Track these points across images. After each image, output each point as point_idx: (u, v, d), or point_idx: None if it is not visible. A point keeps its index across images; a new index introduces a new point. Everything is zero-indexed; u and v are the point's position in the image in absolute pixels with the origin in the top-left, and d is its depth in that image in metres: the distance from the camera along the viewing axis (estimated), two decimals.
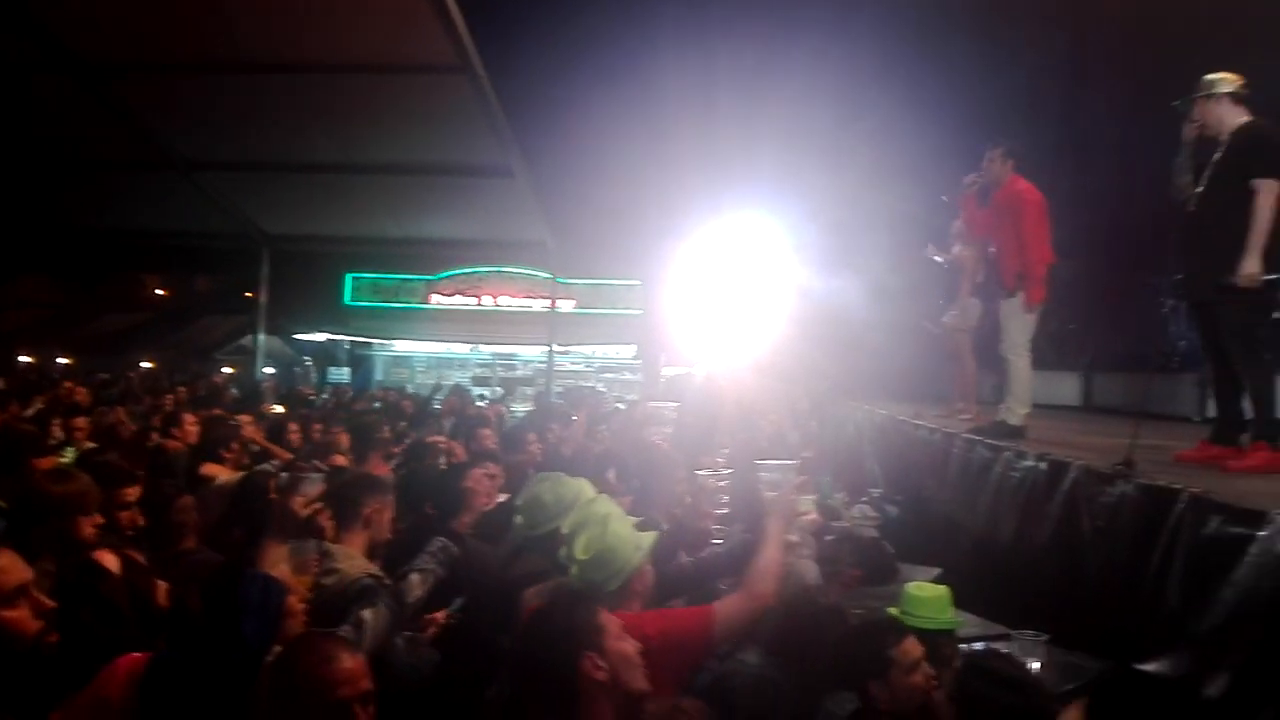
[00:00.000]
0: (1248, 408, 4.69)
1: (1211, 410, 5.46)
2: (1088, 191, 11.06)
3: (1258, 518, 2.98)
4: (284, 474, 3.57)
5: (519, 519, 3.53)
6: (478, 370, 22.71)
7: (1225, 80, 4.71)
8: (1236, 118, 4.67)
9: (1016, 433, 6.16)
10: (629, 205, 13.33)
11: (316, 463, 4.57)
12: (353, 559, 3.57)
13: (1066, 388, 11.27)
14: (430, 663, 3.15)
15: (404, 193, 13.71)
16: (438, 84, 10.42)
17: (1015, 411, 6.26)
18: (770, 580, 3.13)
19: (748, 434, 8.51)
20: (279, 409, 10.51)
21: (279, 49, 9.97)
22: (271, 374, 19.12)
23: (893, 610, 3.54)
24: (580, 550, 3.02)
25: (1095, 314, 11.70)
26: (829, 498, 7.46)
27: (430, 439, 7.19)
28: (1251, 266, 4.36)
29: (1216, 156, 4.69)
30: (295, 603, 2.77)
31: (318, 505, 3.33)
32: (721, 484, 6.13)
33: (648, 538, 3.15)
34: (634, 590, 3.05)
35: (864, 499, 8.36)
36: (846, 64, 12.64)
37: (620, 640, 2.47)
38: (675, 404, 11.44)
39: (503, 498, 4.70)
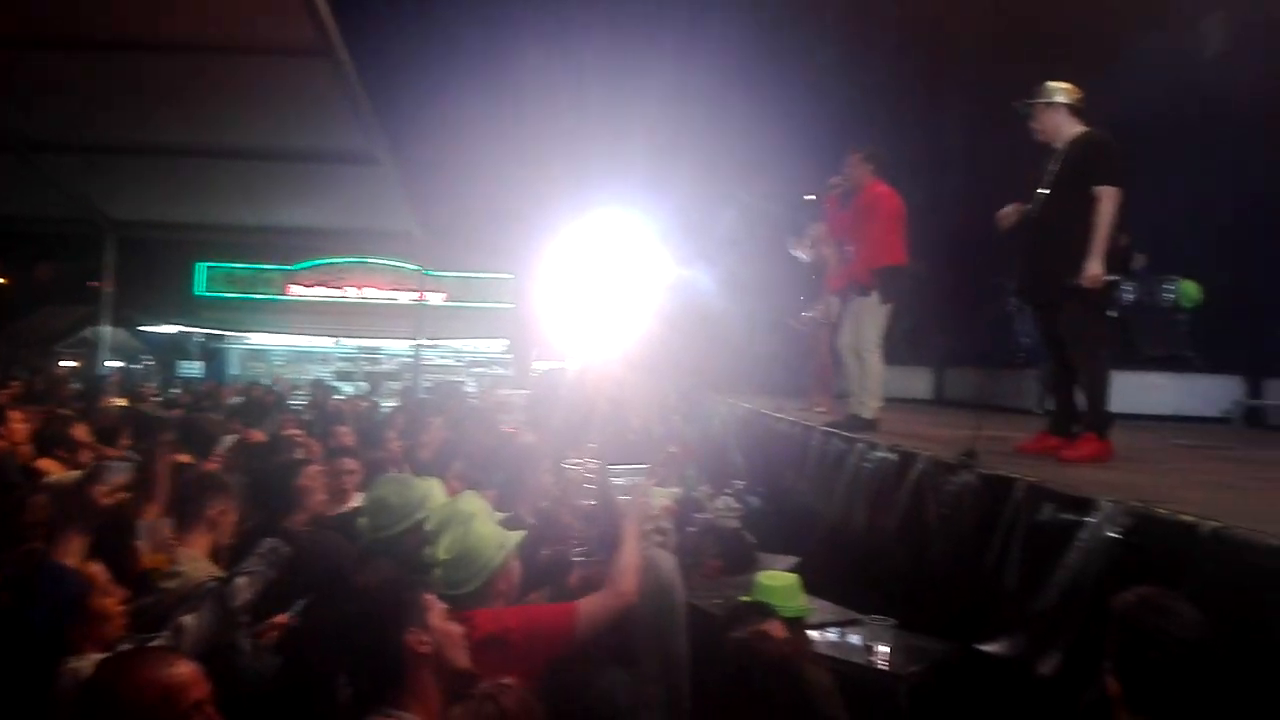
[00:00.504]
0: (1080, 400, 4.94)
1: (1051, 403, 5.76)
2: (940, 196, 11.55)
3: (1086, 504, 3.15)
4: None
5: (364, 521, 3.46)
6: (341, 364, 22.04)
7: (1064, 91, 4.91)
8: (1073, 128, 4.88)
9: (870, 425, 6.37)
10: (500, 197, 13.15)
11: (131, 454, 4.37)
12: (196, 562, 3.42)
13: (919, 382, 11.75)
14: (273, 667, 3.03)
15: (261, 179, 13.11)
16: (298, 67, 9.97)
17: (868, 405, 6.47)
18: (630, 578, 3.20)
19: (617, 429, 8.54)
20: (121, 403, 9.95)
21: (128, 25, 9.33)
22: (118, 368, 18.09)
23: (745, 599, 3.59)
24: (443, 550, 3.01)
25: (947, 312, 12.24)
26: (694, 490, 7.57)
27: (287, 434, 6.91)
28: (1095, 268, 4.55)
29: (1054, 166, 4.89)
30: (113, 606, 2.63)
31: (122, 494, 3.19)
32: (589, 478, 6.15)
33: (513, 537, 3.15)
34: (498, 590, 3.06)
35: (727, 491, 8.51)
36: (711, 61, 12.82)
37: (446, 621, 2.53)
38: (526, 392, 11.35)
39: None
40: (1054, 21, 10.52)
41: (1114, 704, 2.22)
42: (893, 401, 10.48)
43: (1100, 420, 4.73)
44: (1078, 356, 4.87)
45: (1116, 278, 4.77)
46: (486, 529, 3.09)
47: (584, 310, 13.79)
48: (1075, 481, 3.54)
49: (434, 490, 3.55)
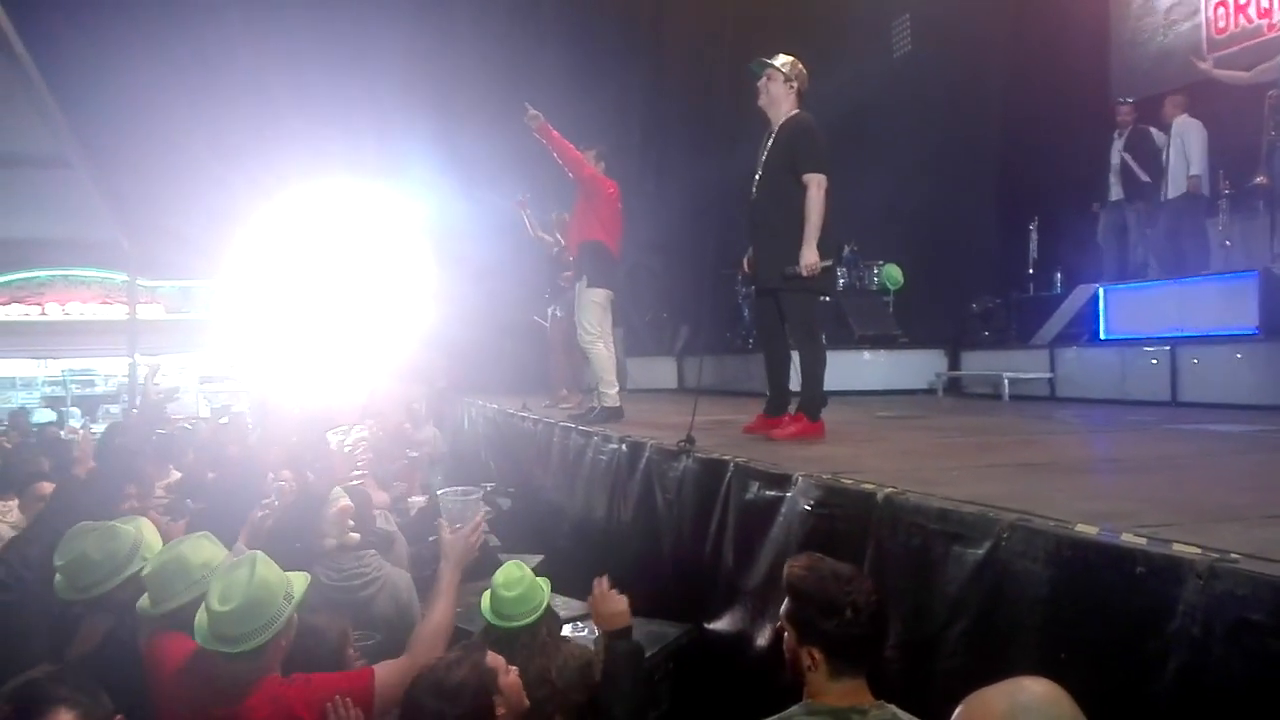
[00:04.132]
0: (795, 381, 5.12)
1: None
2: (670, 197, 12.01)
3: (785, 480, 3.31)
4: None
5: (59, 579, 2.94)
6: (48, 389, 19.72)
7: (794, 69, 4.93)
8: (791, 108, 4.92)
9: (615, 414, 6.45)
10: (216, 196, 12.21)
11: None
12: None
13: (663, 372, 12.11)
14: None
15: None
16: None
17: (607, 394, 6.56)
18: (439, 643, 2.90)
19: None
20: None
21: None
22: None
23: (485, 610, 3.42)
24: (217, 599, 2.52)
25: (684, 303, 12.74)
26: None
27: None
28: (811, 256, 4.66)
29: (769, 143, 4.95)
30: None
31: None
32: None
33: (299, 582, 2.72)
34: (279, 647, 2.63)
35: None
36: (449, 55, 12.61)
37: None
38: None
39: None
40: (765, 21, 11.15)
41: (812, 672, 2.29)
42: (639, 391, 10.81)
43: (814, 402, 4.93)
44: (800, 342, 5.00)
45: (831, 263, 4.86)
46: (271, 573, 2.63)
47: (321, 315, 13.13)
48: (780, 459, 3.70)
49: (145, 532, 3.09)
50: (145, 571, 2.85)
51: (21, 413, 13.31)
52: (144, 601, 2.83)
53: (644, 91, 13.12)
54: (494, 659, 2.68)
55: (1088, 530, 2.13)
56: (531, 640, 3.20)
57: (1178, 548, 1.91)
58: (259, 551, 2.78)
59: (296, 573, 2.78)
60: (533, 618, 3.25)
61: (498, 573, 3.44)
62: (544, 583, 3.43)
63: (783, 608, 2.37)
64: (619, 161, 7.23)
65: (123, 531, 3.03)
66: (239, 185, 12.15)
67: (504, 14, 12.98)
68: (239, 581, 2.54)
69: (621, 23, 13.04)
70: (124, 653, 2.81)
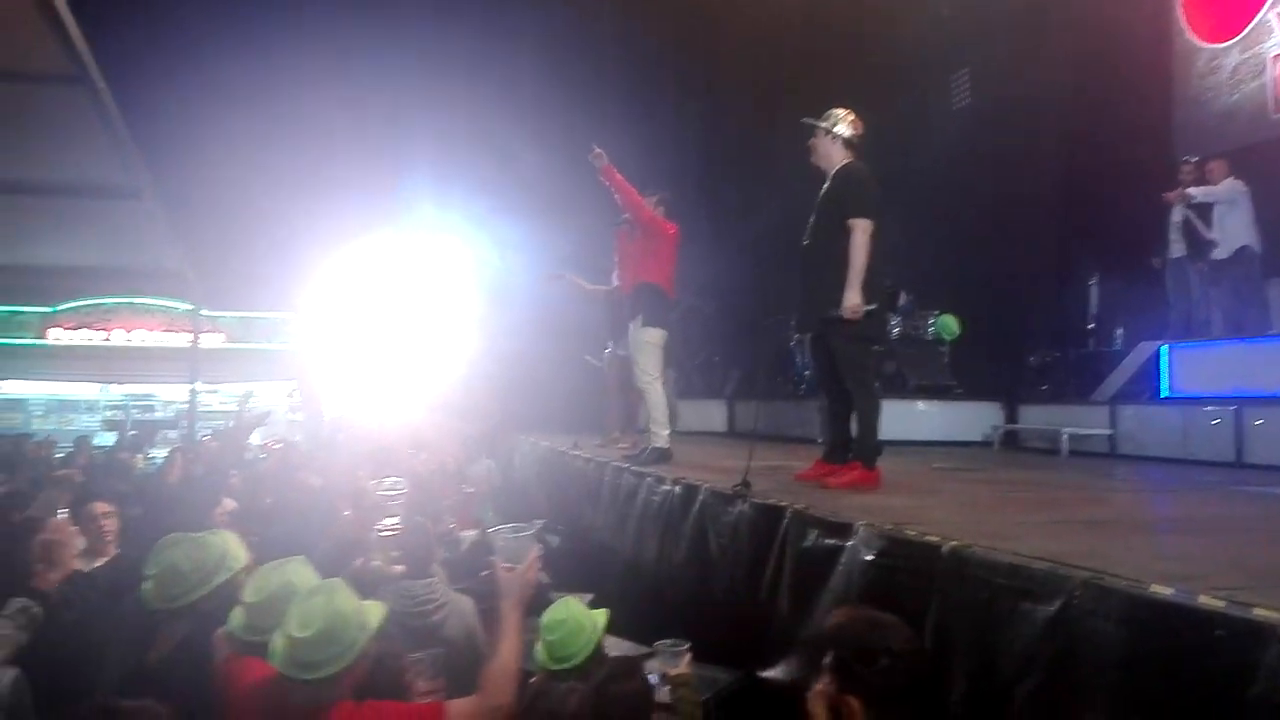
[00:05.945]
0: (854, 428, 5.03)
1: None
2: (725, 241, 12.07)
3: (845, 529, 3.29)
4: None
5: (149, 587, 3.01)
6: (108, 413, 20.21)
7: (845, 123, 5.01)
8: (843, 159, 4.99)
9: (664, 455, 6.46)
10: (279, 231, 12.56)
11: None
12: None
13: (714, 415, 12.08)
14: None
15: (14, 214, 11.99)
16: (50, 95, 9.14)
17: (659, 435, 6.58)
18: (508, 684, 2.87)
19: (409, 469, 8.28)
20: None
21: None
22: None
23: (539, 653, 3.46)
24: (297, 625, 2.57)
25: (736, 347, 12.74)
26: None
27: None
28: (853, 299, 4.68)
29: (821, 194, 5.02)
30: None
31: None
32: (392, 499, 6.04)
33: (374, 615, 2.76)
34: (352, 678, 2.67)
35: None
36: (509, 100, 12.88)
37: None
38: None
39: None
40: (824, 72, 11.24)
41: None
42: (689, 434, 10.80)
43: (867, 449, 4.88)
44: (852, 386, 4.95)
45: (876, 306, 4.85)
46: (348, 603, 2.68)
47: (376, 349, 13.38)
48: (839, 507, 3.67)
49: (231, 547, 3.19)
50: (155, 569, 3.02)
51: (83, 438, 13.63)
52: (150, 592, 2.99)
53: (701, 135, 13.27)
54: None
55: (1162, 591, 2.10)
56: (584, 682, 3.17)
57: (1259, 612, 1.88)
58: (339, 579, 2.85)
59: (373, 603, 2.83)
60: (579, 659, 3.32)
61: (545, 614, 3.52)
62: (597, 617, 3.53)
63: (826, 659, 2.40)
64: (674, 204, 7.30)
65: (211, 543, 3.14)
66: (301, 222, 12.50)
67: (563, 58, 13.24)
68: (317, 609, 2.60)
69: (679, 68, 13.24)
70: (197, 657, 2.91)
